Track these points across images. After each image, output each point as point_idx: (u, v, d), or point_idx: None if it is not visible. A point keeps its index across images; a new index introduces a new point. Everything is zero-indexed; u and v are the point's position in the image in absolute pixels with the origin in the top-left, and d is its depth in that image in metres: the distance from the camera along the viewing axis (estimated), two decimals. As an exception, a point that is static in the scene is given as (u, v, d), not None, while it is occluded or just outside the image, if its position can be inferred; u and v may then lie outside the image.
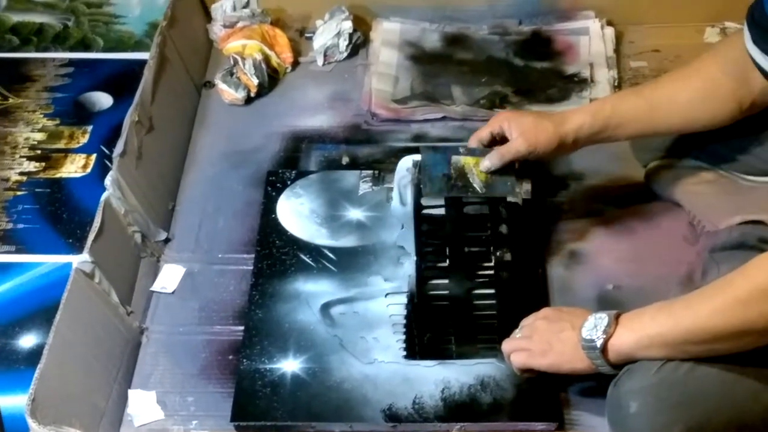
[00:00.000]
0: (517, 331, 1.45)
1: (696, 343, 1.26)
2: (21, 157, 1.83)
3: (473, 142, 1.61)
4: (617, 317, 1.32)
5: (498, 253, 1.61)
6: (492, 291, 1.60)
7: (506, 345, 1.45)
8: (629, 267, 1.68)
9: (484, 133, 1.59)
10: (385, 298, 1.61)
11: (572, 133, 1.53)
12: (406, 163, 1.69)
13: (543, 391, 1.48)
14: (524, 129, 1.54)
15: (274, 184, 1.81)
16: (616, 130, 1.54)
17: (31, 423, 1.30)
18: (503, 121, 1.57)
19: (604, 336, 1.30)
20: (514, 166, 1.59)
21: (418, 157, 1.64)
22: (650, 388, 1.29)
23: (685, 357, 1.28)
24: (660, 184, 1.75)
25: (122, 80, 1.99)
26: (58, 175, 1.80)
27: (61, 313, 1.42)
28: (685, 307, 1.27)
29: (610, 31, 2.10)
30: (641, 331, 1.29)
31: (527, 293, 1.60)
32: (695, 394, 1.28)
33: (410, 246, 1.62)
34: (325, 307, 1.60)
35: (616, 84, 1.99)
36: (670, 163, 1.72)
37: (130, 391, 1.54)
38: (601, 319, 1.32)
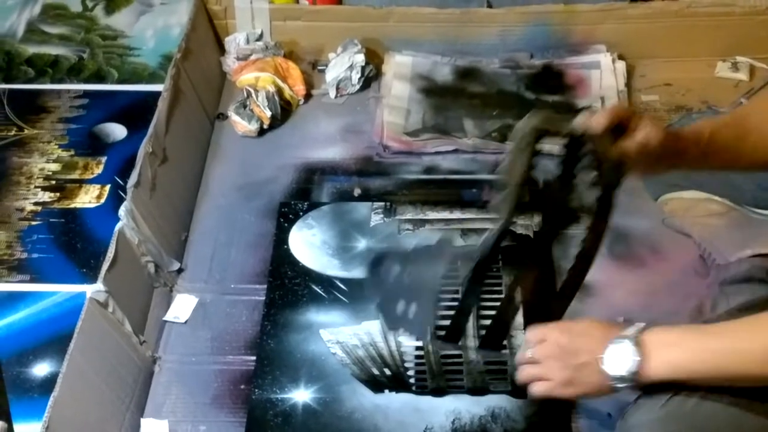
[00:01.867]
0: (528, 350, 1.39)
1: (732, 379, 1.22)
2: (36, 187, 1.84)
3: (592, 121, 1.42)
4: (638, 342, 1.27)
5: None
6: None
7: (524, 372, 1.39)
8: (640, 299, 1.68)
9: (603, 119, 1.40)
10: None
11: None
12: None
13: (553, 425, 1.48)
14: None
15: (286, 215, 1.82)
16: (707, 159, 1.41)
17: (45, 451, 1.31)
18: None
19: (634, 370, 1.25)
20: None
21: None
22: (658, 421, 1.27)
23: (719, 383, 1.25)
24: (672, 216, 1.76)
25: (136, 111, 1.99)
26: (72, 206, 1.81)
27: (75, 341, 1.43)
28: (721, 335, 1.23)
29: (621, 65, 2.11)
30: (673, 361, 1.25)
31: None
32: (703, 428, 1.27)
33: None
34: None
35: (626, 118, 2.00)
36: (681, 195, 1.72)
37: (142, 420, 1.54)
38: (624, 348, 1.27)
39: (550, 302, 1.60)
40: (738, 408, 1.26)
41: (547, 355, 1.36)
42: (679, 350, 1.24)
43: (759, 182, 1.63)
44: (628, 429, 1.30)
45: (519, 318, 1.61)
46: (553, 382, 1.34)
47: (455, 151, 1.98)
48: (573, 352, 1.33)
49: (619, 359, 1.27)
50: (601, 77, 2.10)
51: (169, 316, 1.70)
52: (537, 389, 1.36)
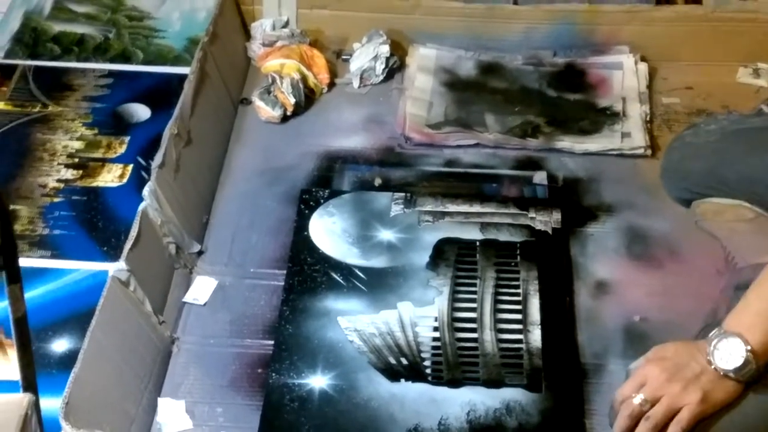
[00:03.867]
0: (635, 398, 1.37)
1: None
2: (59, 164, 1.85)
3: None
4: (730, 333, 1.33)
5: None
6: (519, 317, 1.62)
7: (654, 412, 1.35)
8: (657, 300, 1.69)
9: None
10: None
11: None
12: None
13: (569, 419, 1.50)
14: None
15: (307, 202, 1.83)
16: None
17: (65, 425, 1.32)
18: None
19: (748, 351, 1.30)
20: None
21: None
22: None
23: None
24: (702, 218, 1.78)
25: (160, 93, 2.00)
26: (94, 184, 1.82)
27: (97, 319, 1.44)
28: None
29: (643, 67, 2.12)
30: (763, 319, 1.32)
31: (554, 322, 1.63)
32: None
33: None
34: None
35: (648, 119, 2.01)
36: (712, 200, 1.75)
37: (159, 399, 1.56)
38: (724, 342, 1.32)
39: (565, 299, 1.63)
40: None
41: (663, 384, 1.35)
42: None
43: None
44: None
45: (536, 314, 1.62)
46: (691, 403, 1.33)
47: (476, 145, 1.99)
48: (684, 367, 1.35)
49: (727, 353, 1.31)
50: (623, 78, 2.10)
51: (188, 297, 1.71)
52: (683, 418, 1.34)
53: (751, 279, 1.58)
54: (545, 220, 1.78)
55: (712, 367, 1.33)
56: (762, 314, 1.31)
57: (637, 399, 1.37)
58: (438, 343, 1.59)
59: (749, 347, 1.31)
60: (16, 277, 1.13)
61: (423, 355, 1.58)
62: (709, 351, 1.33)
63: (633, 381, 1.40)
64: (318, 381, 1.55)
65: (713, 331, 1.35)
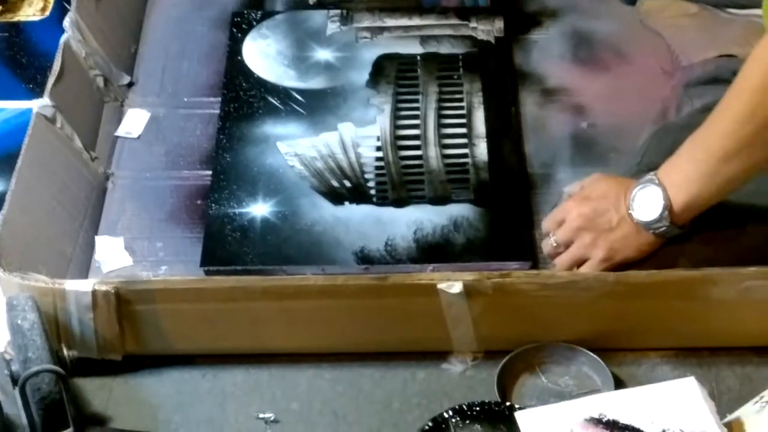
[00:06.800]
0: (551, 238, 1.36)
1: (740, 161, 1.21)
2: (-24, 0, 1.78)
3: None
4: (659, 183, 1.26)
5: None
6: (464, 131, 1.58)
7: (560, 262, 1.35)
8: (604, 104, 1.64)
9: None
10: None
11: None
12: None
13: (517, 231, 1.47)
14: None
15: (239, 25, 1.76)
16: None
17: (-3, 269, 1.28)
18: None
19: (665, 208, 1.25)
20: None
21: None
22: None
23: (742, 178, 1.24)
24: (647, 15, 1.73)
25: None
26: (15, 19, 1.75)
27: (23, 158, 1.38)
28: (710, 129, 1.23)
29: None
30: (688, 181, 1.24)
31: (500, 133, 1.58)
32: None
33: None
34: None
35: None
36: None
37: (97, 238, 1.51)
38: (649, 191, 1.27)
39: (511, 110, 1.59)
40: None
41: (575, 231, 1.32)
42: (685, 161, 1.26)
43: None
44: None
45: (481, 127, 1.58)
46: (594, 259, 1.31)
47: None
48: (601, 215, 1.31)
49: (647, 203, 1.26)
50: None
51: (120, 131, 1.65)
52: (583, 271, 1.32)
53: (700, 76, 1.55)
54: (487, 29, 1.72)
55: (630, 212, 1.29)
56: (690, 177, 1.23)
57: (552, 239, 1.36)
58: (382, 163, 1.55)
59: (668, 204, 1.25)
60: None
61: (367, 176, 1.54)
62: (631, 195, 1.29)
63: (553, 217, 1.38)
64: (259, 209, 1.50)
65: (647, 175, 1.29)
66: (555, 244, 1.35)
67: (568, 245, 1.34)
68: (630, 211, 1.28)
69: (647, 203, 1.26)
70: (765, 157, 1.21)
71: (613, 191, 1.31)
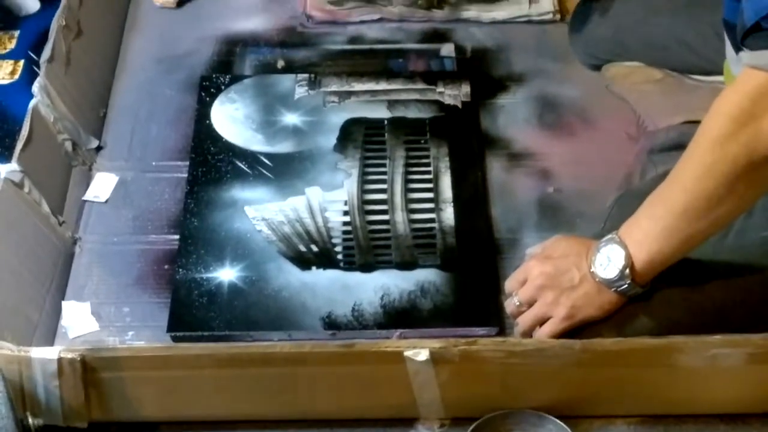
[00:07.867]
0: (514, 297, 1.34)
1: (700, 217, 1.19)
2: (-55, 63, 1.77)
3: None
4: (620, 241, 1.24)
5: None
6: (431, 195, 1.59)
7: (522, 321, 1.33)
8: (570, 169, 1.66)
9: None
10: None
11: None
12: None
13: (484, 297, 1.47)
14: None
15: (207, 89, 1.77)
16: None
17: (-40, 335, 1.27)
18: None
19: (626, 266, 1.23)
20: None
21: None
22: None
23: (703, 235, 1.22)
24: (612, 81, 1.75)
25: (48, -17, 1.92)
26: (-16, 82, 1.75)
27: (-10, 224, 1.39)
28: (670, 185, 1.22)
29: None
30: (649, 238, 1.22)
31: (467, 198, 1.59)
32: None
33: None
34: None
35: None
36: (623, 63, 1.73)
37: (63, 303, 1.50)
38: (608, 249, 1.25)
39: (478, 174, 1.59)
40: None
41: (537, 290, 1.31)
42: (646, 219, 1.24)
43: (679, 38, 1.64)
44: None
45: (448, 191, 1.59)
46: (556, 317, 1.29)
47: (380, 20, 1.93)
48: (563, 274, 1.29)
49: (609, 261, 1.24)
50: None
51: (88, 195, 1.64)
52: (544, 333, 1.30)
53: (664, 142, 1.57)
54: (454, 94, 1.74)
55: (591, 270, 1.28)
56: (650, 234, 1.22)
57: (515, 299, 1.34)
58: (349, 228, 1.56)
59: (629, 262, 1.23)
60: None
61: (334, 240, 1.54)
62: (593, 253, 1.28)
63: (515, 276, 1.35)
64: (227, 274, 1.50)
65: (608, 235, 1.29)
66: (518, 303, 1.34)
67: (530, 304, 1.32)
68: (592, 269, 1.26)
69: (609, 261, 1.25)
70: (725, 212, 1.19)
71: (574, 250, 1.30)
